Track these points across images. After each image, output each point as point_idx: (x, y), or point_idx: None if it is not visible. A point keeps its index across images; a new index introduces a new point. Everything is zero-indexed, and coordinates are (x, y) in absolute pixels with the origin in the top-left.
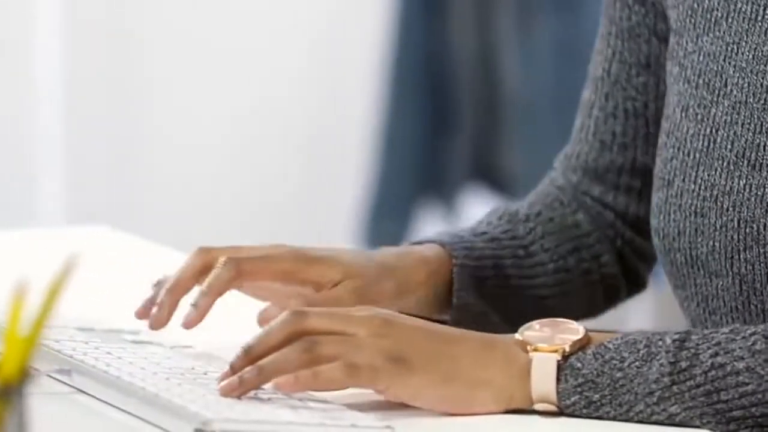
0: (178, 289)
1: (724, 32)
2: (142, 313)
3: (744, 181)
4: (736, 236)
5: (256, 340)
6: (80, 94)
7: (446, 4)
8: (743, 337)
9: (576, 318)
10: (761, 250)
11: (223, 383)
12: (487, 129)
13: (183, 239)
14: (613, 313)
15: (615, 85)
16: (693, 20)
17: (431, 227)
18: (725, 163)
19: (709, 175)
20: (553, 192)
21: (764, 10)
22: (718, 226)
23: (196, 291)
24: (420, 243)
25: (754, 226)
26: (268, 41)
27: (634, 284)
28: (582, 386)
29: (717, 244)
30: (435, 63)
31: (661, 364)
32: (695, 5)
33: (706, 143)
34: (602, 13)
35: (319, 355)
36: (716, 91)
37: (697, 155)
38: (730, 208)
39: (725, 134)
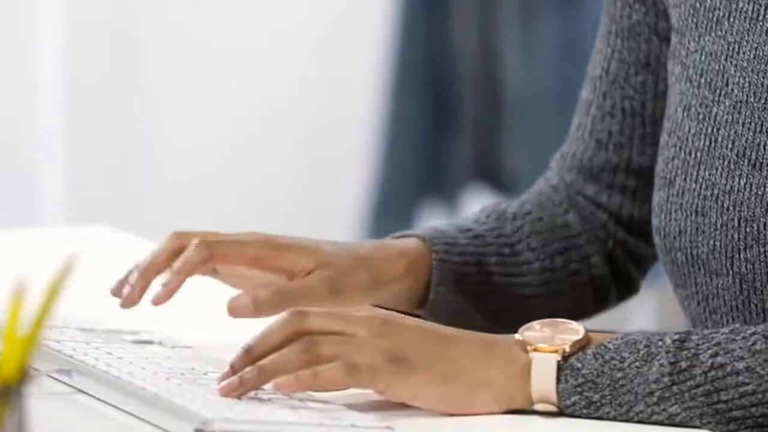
0: (151, 270)
1: (725, 32)
2: (116, 292)
3: (745, 180)
4: (736, 235)
5: (256, 341)
6: (82, 95)
7: (448, 4)
8: (743, 337)
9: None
10: (761, 249)
11: (224, 383)
12: (489, 128)
13: None
14: (615, 313)
15: (613, 83)
16: (695, 19)
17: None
18: (726, 163)
19: (710, 174)
20: (545, 191)
21: (765, 9)
22: (718, 225)
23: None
24: (401, 237)
25: (755, 225)
26: (270, 41)
27: (625, 287)
28: (582, 386)
29: (718, 243)
30: (437, 62)
31: (661, 365)
32: (697, 4)
33: (707, 142)
34: (603, 12)
35: (319, 355)
36: (718, 91)
37: (699, 154)
38: (731, 207)
39: (726, 133)
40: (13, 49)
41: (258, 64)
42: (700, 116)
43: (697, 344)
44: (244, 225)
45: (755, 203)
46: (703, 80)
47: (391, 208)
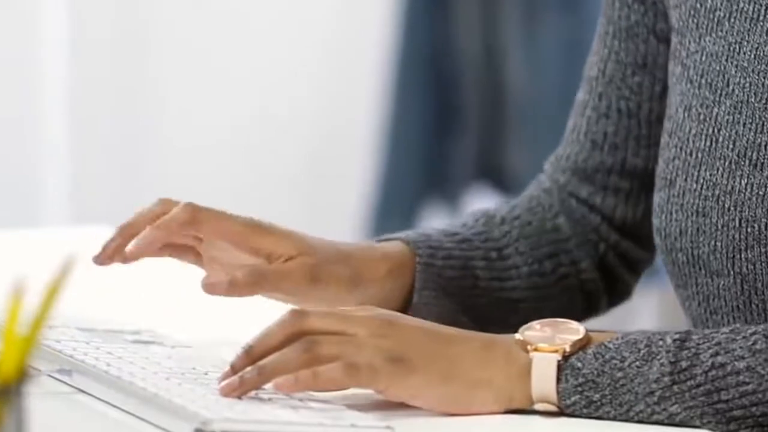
0: (131, 228)
1: (726, 32)
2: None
3: (746, 180)
4: (737, 236)
5: (256, 341)
6: (84, 96)
7: (452, 4)
8: (744, 337)
9: None
10: (763, 250)
11: (224, 383)
12: (492, 128)
13: None
14: (615, 313)
15: (609, 84)
16: (695, 20)
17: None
18: (727, 163)
19: (711, 175)
20: (536, 195)
21: (766, 10)
22: (719, 226)
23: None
24: (387, 240)
25: (756, 225)
26: (273, 41)
27: (617, 292)
28: (582, 386)
29: (718, 243)
30: (440, 62)
31: (662, 364)
32: (698, 5)
33: (708, 143)
34: (601, 14)
35: (319, 355)
36: (718, 91)
37: (699, 155)
38: (732, 208)
39: (727, 134)
40: (16, 50)
41: (260, 64)
42: (701, 117)
43: (698, 344)
44: None
45: (756, 203)
46: (703, 81)
47: (393, 208)
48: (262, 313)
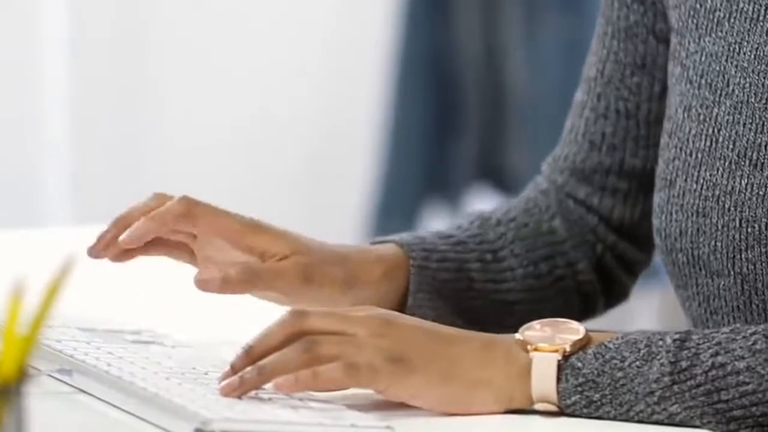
0: (125, 221)
1: (726, 32)
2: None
3: (746, 180)
4: (737, 236)
5: (256, 341)
6: (86, 95)
7: (452, 4)
8: (744, 337)
9: None
10: (763, 250)
11: (224, 383)
12: (493, 129)
13: None
14: (616, 313)
15: (608, 85)
16: (695, 21)
17: (437, 227)
18: (727, 163)
19: (711, 175)
20: (533, 197)
21: (766, 10)
22: (719, 226)
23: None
24: (382, 242)
25: (756, 225)
26: (273, 42)
27: (615, 293)
28: (582, 386)
29: (719, 243)
30: (441, 63)
31: (662, 364)
32: (697, 5)
33: (708, 143)
34: (600, 14)
35: (319, 355)
36: (718, 91)
37: (699, 155)
38: (732, 208)
39: (727, 134)
40: (17, 50)
41: (261, 64)
42: (701, 117)
43: (698, 344)
44: None
45: (756, 204)
46: (703, 81)
47: (394, 209)
48: (262, 313)
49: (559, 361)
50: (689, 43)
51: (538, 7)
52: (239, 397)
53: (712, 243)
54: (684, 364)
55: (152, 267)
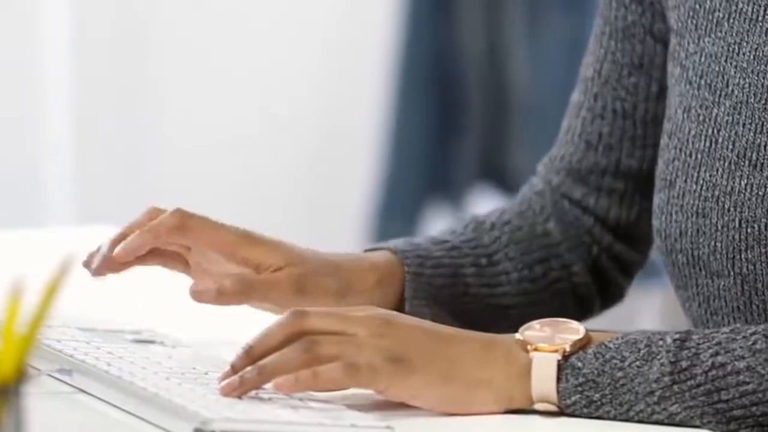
0: (121, 238)
1: (725, 33)
2: (87, 264)
3: (745, 181)
4: (737, 236)
5: (256, 340)
6: (89, 95)
7: (455, 5)
8: (744, 337)
9: None
10: (763, 250)
11: (224, 383)
12: (496, 129)
13: None
14: (617, 313)
15: (605, 85)
16: (694, 21)
17: (439, 227)
18: (727, 164)
19: (710, 176)
20: (528, 199)
21: (765, 10)
22: (719, 227)
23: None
24: (375, 249)
25: (756, 226)
26: (274, 42)
27: (609, 295)
28: (582, 386)
29: (719, 244)
30: (444, 63)
31: (662, 364)
32: (696, 6)
33: (707, 144)
34: (598, 14)
35: (319, 355)
36: (718, 92)
37: (699, 156)
38: (732, 209)
39: (727, 134)
40: (17, 50)
41: (261, 64)
42: (701, 118)
43: (698, 344)
44: (250, 225)
45: (756, 204)
46: (703, 82)
47: (396, 209)
48: (262, 313)
49: (559, 361)
50: (689, 43)
51: (540, 6)
52: (239, 397)
53: (712, 243)
54: (684, 363)
55: (152, 267)
